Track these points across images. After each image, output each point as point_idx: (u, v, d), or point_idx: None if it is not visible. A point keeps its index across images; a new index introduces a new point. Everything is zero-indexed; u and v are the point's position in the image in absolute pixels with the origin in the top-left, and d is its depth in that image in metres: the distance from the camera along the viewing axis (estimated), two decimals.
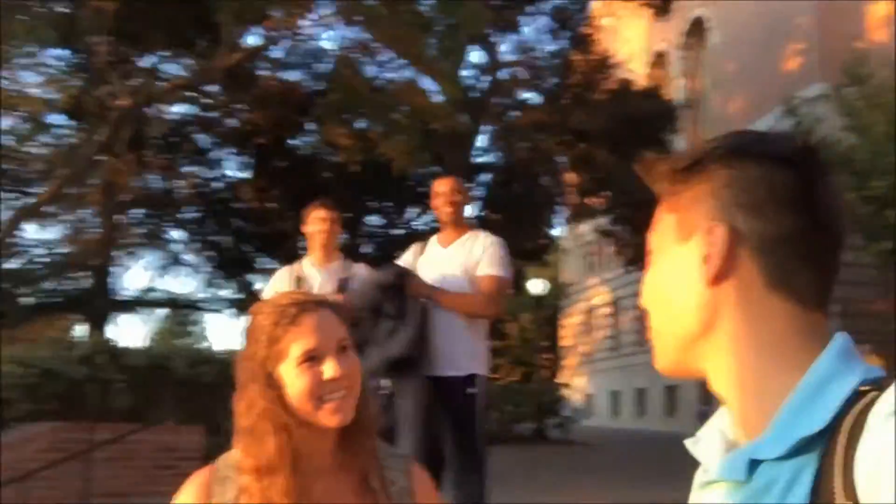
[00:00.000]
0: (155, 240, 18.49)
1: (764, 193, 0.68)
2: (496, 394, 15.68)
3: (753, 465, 0.64)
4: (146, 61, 14.03)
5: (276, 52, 13.70)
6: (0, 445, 7.18)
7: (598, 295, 32.07)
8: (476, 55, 16.68)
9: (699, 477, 0.73)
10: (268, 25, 12.09)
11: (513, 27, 16.63)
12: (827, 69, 17.79)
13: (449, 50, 13.37)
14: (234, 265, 18.01)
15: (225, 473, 1.29)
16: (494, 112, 16.78)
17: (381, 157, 12.30)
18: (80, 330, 18.29)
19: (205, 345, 35.11)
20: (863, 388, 0.61)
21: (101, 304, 16.35)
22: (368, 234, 17.84)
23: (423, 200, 16.45)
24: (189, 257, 18.82)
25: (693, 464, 0.75)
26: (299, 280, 3.87)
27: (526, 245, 16.89)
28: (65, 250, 17.45)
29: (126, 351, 9.37)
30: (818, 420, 0.60)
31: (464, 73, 16.01)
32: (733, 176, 0.70)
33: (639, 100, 17.14)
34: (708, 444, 0.73)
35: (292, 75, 15.93)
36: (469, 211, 3.73)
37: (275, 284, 3.96)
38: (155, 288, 19.09)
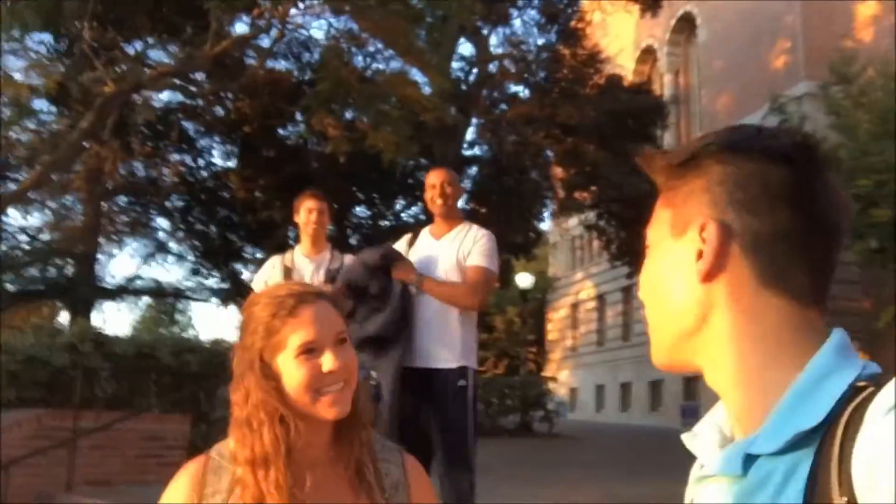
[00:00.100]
0: (140, 228, 18.38)
1: (758, 190, 0.68)
2: (482, 386, 15.63)
3: (749, 459, 0.64)
4: (132, 48, 13.89)
5: (265, 41, 13.62)
6: None
7: (584, 289, 32.16)
8: (466, 48, 16.66)
9: (695, 471, 0.73)
10: (256, 13, 11.99)
11: (504, 20, 16.61)
12: (813, 68, 17.93)
13: (438, 42, 13.33)
14: (220, 254, 17.92)
15: (219, 463, 1.28)
16: (483, 105, 16.75)
17: (369, 148, 12.25)
18: (65, 317, 18.18)
19: (191, 333, 35.01)
20: (859, 385, 0.61)
21: (86, 291, 16.21)
22: (356, 225, 17.79)
23: (411, 192, 16.42)
24: (175, 246, 18.74)
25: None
26: (288, 270, 3.86)
27: (514, 238, 16.91)
28: (49, 237, 17.32)
29: (111, 339, 9.31)
30: (815, 415, 0.60)
31: (454, 65, 15.99)
32: (727, 172, 0.69)
33: (627, 95, 17.19)
34: (705, 439, 0.73)
35: (280, 64, 15.85)
36: (460, 203, 3.72)
37: (263, 274, 3.96)
38: (140, 276, 19.01)
